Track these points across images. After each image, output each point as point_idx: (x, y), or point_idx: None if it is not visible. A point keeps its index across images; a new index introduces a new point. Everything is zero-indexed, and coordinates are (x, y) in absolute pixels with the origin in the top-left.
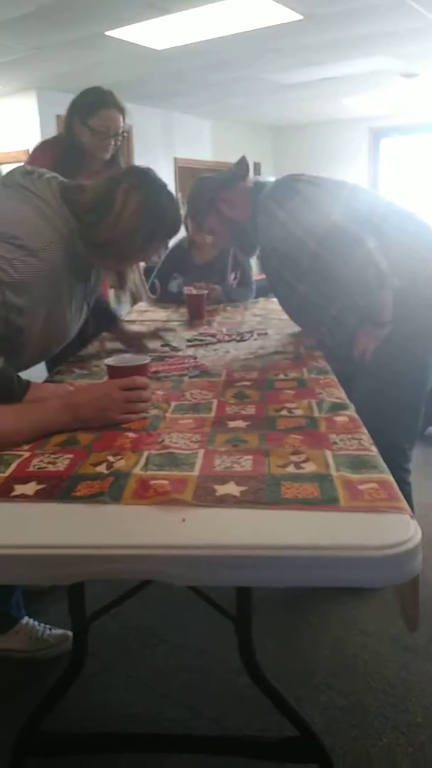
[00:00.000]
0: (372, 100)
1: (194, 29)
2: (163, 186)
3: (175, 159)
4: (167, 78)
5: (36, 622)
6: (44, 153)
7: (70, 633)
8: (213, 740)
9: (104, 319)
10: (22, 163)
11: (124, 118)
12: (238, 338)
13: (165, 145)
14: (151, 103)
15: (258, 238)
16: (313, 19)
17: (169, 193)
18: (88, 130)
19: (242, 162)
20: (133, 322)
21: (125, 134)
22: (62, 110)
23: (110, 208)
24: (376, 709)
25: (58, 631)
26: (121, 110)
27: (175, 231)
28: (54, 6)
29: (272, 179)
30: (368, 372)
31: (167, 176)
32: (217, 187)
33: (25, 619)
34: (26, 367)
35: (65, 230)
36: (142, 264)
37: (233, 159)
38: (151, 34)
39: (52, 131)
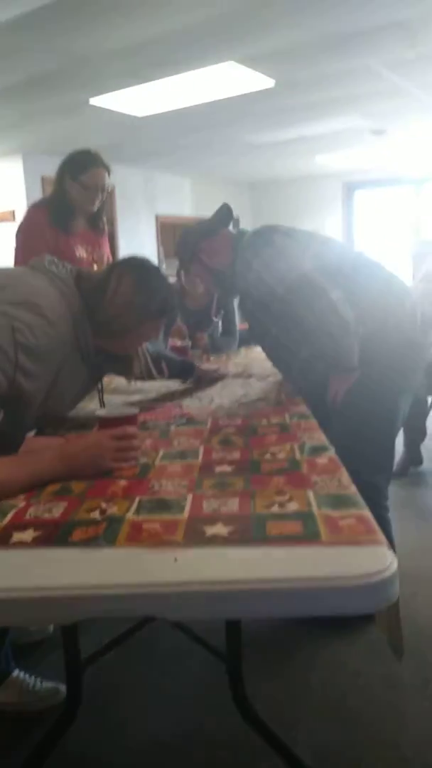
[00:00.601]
0: (344, 156)
1: (173, 97)
2: (154, 269)
3: (157, 216)
4: (148, 141)
5: (27, 675)
6: (39, 211)
7: (60, 686)
8: None
9: (185, 369)
10: (9, 223)
11: (109, 175)
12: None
13: (147, 203)
14: (132, 164)
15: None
16: (285, 84)
17: (160, 275)
18: (78, 185)
19: (222, 209)
20: None
21: (109, 189)
22: (47, 172)
23: (107, 289)
24: (367, 747)
25: (49, 684)
26: (107, 168)
27: (167, 308)
28: (40, 76)
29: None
30: (341, 414)
31: (149, 232)
32: (198, 238)
33: (16, 672)
34: (19, 434)
35: (77, 310)
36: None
37: (212, 214)
38: (132, 102)
39: (37, 192)
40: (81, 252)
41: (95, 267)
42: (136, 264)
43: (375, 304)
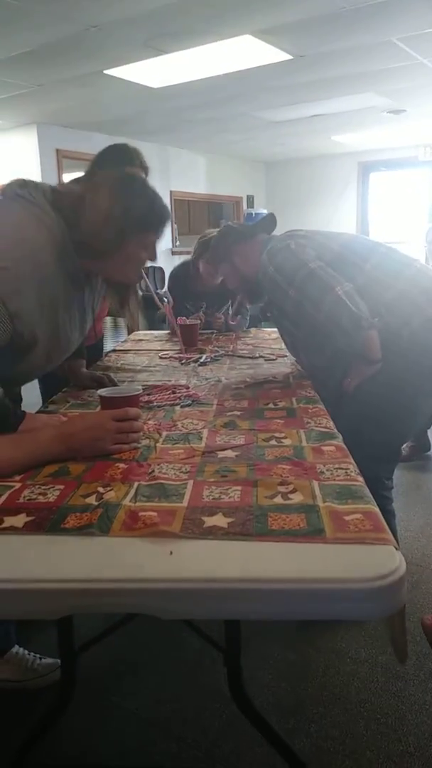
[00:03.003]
0: (361, 136)
1: (188, 69)
2: (134, 176)
3: (171, 192)
4: (163, 114)
5: (26, 652)
6: None
7: (59, 662)
8: None
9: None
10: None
11: (146, 176)
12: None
13: (161, 179)
14: (147, 138)
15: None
16: (301, 59)
17: (142, 182)
18: None
19: (268, 217)
20: (127, 351)
21: None
22: (62, 144)
23: (84, 203)
24: (367, 739)
25: (48, 660)
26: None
27: (153, 219)
28: (54, 45)
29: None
30: (354, 399)
31: None
32: (235, 240)
33: (15, 648)
34: (32, 377)
35: (59, 235)
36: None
37: (227, 192)
38: (147, 72)
39: (52, 164)
40: None
41: None
42: (114, 174)
43: (400, 300)
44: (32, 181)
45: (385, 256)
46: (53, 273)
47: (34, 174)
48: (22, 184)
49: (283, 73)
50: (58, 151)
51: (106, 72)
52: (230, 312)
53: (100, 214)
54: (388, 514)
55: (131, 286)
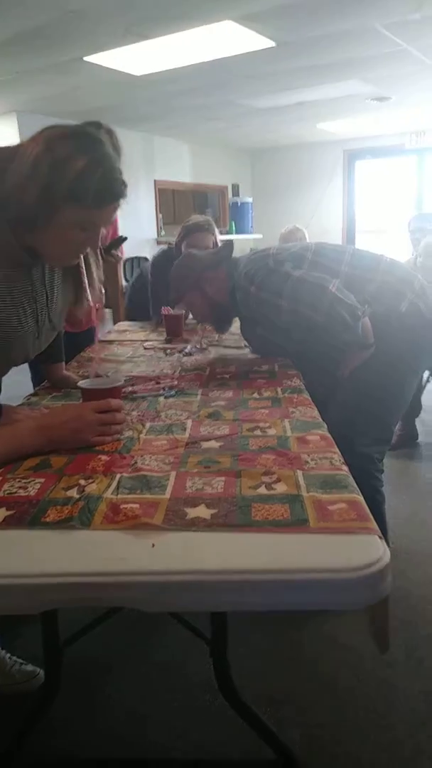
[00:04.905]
0: (346, 123)
1: (171, 55)
2: (85, 133)
3: (155, 181)
4: (146, 102)
5: (8, 655)
6: None
7: (39, 670)
8: (195, 765)
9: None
10: None
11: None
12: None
13: (146, 168)
14: (131, 127)
15: (236, 313)
16: (285, 46)
17: (88, 143)
18: None
19: (228, 245)
20: (111, 342)
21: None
22: None
23: (14, 158)
24: (357, 727)
25: (28, 668)
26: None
27: (82, 196)
28: (31, 32)
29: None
30: (347, 384)
31: (148, 197)
32: (204, 267)
33: None
34: None
35: None
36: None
37: (212, 180)
38: (128, 59)
39: None
40: None
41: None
42: (59, 126)
43: (382, 292)
44: None
45: (354, 256)
46: None
47: None
48: None
49: (267, 60)
50: None
51: (86, 59)
52: None
53: (25, 169)
54: (380, 496)
55: (80, 271)
